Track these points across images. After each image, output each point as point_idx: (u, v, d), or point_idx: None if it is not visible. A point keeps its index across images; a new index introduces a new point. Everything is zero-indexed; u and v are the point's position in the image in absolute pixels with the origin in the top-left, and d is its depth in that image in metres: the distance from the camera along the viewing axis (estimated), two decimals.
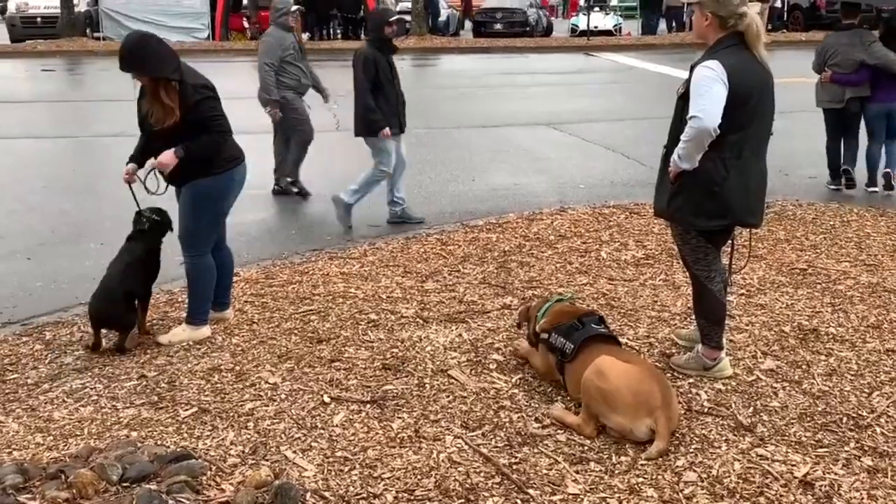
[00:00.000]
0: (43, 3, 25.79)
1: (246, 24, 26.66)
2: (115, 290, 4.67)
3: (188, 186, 4.65)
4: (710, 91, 3.78)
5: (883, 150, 8.13)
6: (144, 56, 4.41)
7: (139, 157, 4.78)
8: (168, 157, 4.49)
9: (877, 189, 8.15)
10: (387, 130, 7.18)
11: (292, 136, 8.29)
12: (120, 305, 4.68)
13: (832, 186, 8.41)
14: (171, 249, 6.20)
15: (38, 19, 25.79)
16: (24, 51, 23.68)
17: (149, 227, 4.90)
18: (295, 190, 8.39)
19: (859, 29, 8.13)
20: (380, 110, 7.15)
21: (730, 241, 4.33)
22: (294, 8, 8.23)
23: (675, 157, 3.92)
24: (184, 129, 4.45)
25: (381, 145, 7.29)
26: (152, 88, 4.44)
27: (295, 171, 8.40)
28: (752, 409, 3.92)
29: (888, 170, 8.11)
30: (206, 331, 4.87)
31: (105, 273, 4.79)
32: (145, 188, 4.77)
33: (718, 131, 3.76)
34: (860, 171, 8.26)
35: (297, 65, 8.13)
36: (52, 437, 3.79)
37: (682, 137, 3.85)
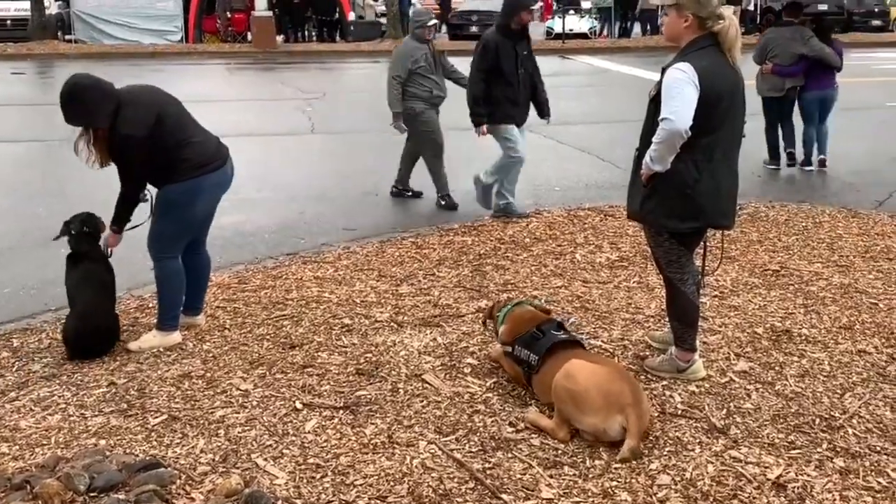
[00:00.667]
0: (13, 6, 25.53)
1: (218, 25, 26.49)
2: (93, 325, 4.63)
3: (159, 191, 4.63)
4: (682, 93, 3.78)
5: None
6: (72, 109, 4.38)
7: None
8: (113, 240, 4.76)
9: (812, 168, 9.27)
10: (484, 128, 7.08)
11: (422, 149, 8.06)
12: (103, 337, 4.68)
13: (771, 166, 9.39)
14: (143, 255, 6.13)
15: (8, 22, 25.53)
16: None
17: (91, 238, 4.82)
18: (408, 193, 8.31)
19: (799, 26, 9.11)
20: (495, 99, 6.90)
21: (702, 243, 4.34)
22: (432, 22, 7.99)
23: (647, 159, 3.92)
24: (123, 170, 4.52)
25: (502, 133, 7.09)
26: (83, 133, 4.43)
27: (441, 185, 8.04)
28: (725, 411, 3.93)
29: (822, 156, 9.25)
30: (176, 337, 4.81)
31: (73, 302, 4.71)
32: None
33: (690, 133, 3.76)
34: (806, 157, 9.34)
35: (429, 77, 7.82)
36: (17, 447, 3.72)
37: (654, 139, 3.85)
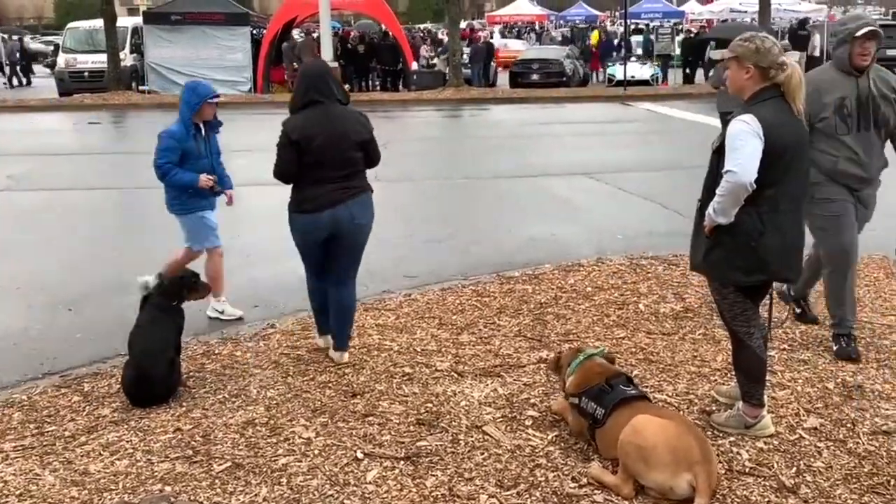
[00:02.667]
0: (91, 59, 26.59)
1: (286, 76, 27.17)
2: (144, 374, 4.70)
3: None
4: (746, 145, 3.75)
5: None
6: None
7: None
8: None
9: None
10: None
11: (815, 238, 5.10)
12: (154, 387, 4.73)
13: None
14: (209, 301, 6.24)
15: (86, 73, 26.57)
16: (71, 104, 24.35)
17: (166, 293, 5.02)
18: (797, 310, 5.73)
19: None
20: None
21: (769, 296, 4.26)
22: (863, 30, 4.67)
23: (710, 211, 3.88)
24: None
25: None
26: None
27: (802, 290, 5.65)
28: (795, 469, 3.82)
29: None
30: (318, 342, 5.46)
31: (130, 351, 4.83)
32: None
33: (754, 186, 3.72)
34: None
35: (838, 138, 4.81)
36: (87, 491, 3.80)
37: (718, 192, 3.81)
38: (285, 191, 5.06)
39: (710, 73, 10.32)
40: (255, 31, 27.62)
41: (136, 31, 27.17)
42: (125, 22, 27.90)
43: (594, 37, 34.89)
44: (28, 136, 17.97)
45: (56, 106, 24.39)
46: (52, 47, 41.87)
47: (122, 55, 26.06)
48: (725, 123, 9.13)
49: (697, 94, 25.16)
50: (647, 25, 43.27)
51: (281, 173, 4.94)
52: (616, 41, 33.48)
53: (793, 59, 3.96)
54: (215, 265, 6.27)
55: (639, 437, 3.54)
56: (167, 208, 6.15)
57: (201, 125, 6.03)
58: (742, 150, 3.74)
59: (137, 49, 27.12)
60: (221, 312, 6.31)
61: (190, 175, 5.91)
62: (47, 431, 4.44)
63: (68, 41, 27.66)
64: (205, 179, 5.93)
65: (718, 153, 3.90)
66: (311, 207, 4.93)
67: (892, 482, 3.70)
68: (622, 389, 3.92)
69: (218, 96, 6.02)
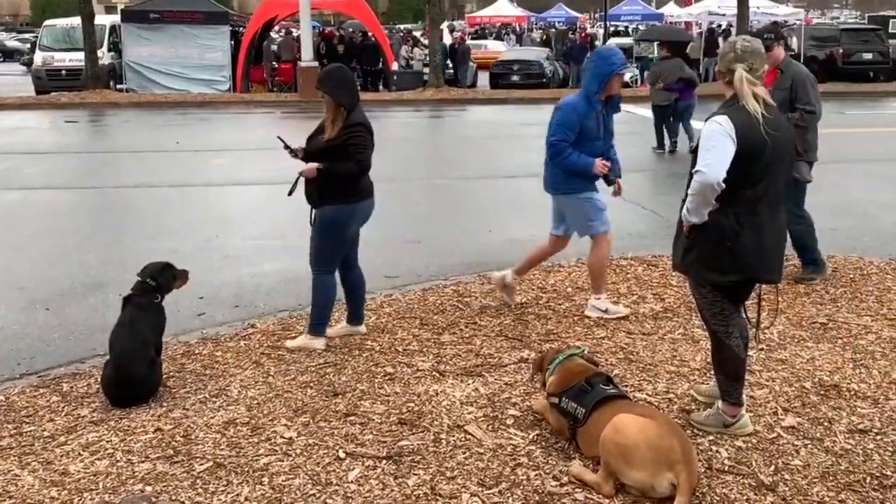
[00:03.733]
0: (68, 57, 26.35)
1: (265, 76, 27.07)
2: (124, 374, 4.67)
3: (319, 210, 5.30)
4: (717, 146, 3.80)
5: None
6: (333, 80, 5.23)
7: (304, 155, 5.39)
8: (311, 168, 5.16)
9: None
10: None
11: None
12: (134, 387, 4.70)
13: (658, 150, 14.22)
14: (190, 302, 6.25)
15: (63, 72, 26.31)
16: (48, 102, 24.13)
17: (151, 289, 4.98)
18: None
19: (677, 59, 14.43)
20: None
21: (755, 297, 4.30)
22: None
23: (684, 211, 3.94)
24: (334, 152, 5.13)
25: None
26: (331, 107, 5.17)
27: None
28: (773, 467, 3.86)
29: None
30: (319, 343, 5.40)
31: (110, 350, 4.79)
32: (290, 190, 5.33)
33: (723, 186, 3.76)
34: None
35: None
36: (66, 492, 3.77)
37: (689, 192, 3.87)
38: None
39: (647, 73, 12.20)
40: (240, 29, 27.49)
41: (114, 30, 26.93)
42: (103, 20, 27.65)
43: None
44: (4, 134, 17.78)
45: (33, 104, 24.15)
46: (28, 45, 41.48)
47: (99, 53, 25.79)
48: (658, 115, 12.79)
49: None
50: (627, 27, 43.51)
51: (368, 165, 5.28)
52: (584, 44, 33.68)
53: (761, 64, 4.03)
54: (602, 255, 5.81)
55: (620, 436, 3.57)
56: (544, 185, 5.88)
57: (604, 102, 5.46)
58: (713, 151, 3.79)
59: (115, 47, 26.89)
60: (605, 311, 5.84)
61: (585, 159, 5.46)
62: (26, 432, 4.41)
63: (45, 39, 27.38)
64: (601, 165, 5.47)
65: (696, 153, 3.95)
66: (368, 193, 5.40)
67: (868, 480, 3.75)
68: (602, 388, 3.95)
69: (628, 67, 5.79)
